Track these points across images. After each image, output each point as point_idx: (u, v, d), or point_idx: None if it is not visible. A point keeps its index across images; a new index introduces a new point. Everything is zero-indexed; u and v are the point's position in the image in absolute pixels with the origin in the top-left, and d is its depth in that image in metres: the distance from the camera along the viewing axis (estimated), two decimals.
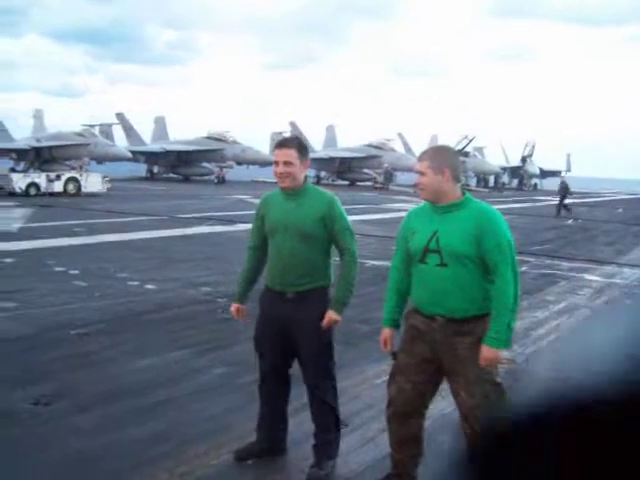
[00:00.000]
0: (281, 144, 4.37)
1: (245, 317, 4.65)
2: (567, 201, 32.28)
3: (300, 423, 4.87)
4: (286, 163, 4.25)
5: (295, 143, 4.38)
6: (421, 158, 3.92)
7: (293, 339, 4.38)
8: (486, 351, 3.69)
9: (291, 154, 4.27)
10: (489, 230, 3.72)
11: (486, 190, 58.64)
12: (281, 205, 4.37)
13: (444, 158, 3.87)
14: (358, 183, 58.46)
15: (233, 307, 4.66)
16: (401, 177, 60.09)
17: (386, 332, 4.09)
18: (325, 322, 4.27)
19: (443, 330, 3.82)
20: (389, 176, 53.96)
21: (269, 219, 4.39)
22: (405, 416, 4.00)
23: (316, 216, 4.27)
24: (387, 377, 4.15)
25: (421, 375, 3.94)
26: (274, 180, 4.42)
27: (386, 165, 54.16)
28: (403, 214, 4.21)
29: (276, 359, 4.50)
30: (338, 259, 4.41)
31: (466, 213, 3.80)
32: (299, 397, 4.80)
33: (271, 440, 4.60)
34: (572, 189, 33.92)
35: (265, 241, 4.48)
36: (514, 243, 3.78)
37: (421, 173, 3.86)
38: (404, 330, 4.04)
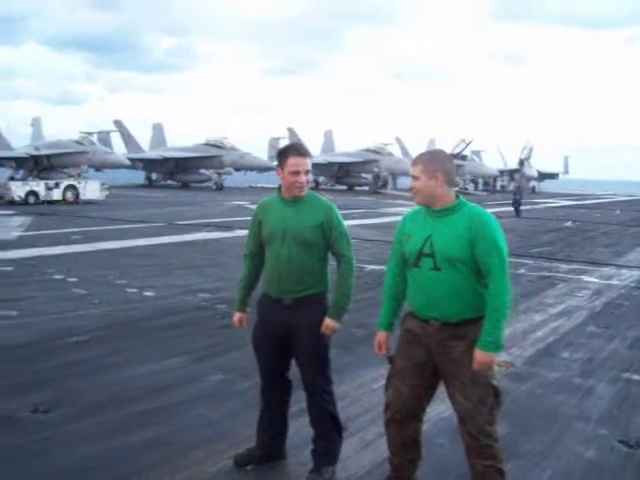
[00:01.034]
0: (301, 153, 4.28)
1: (246, 325, 4.65)
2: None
3: (299, 428, 4.88)
4: (307, 172, 4.27)
5: (308, 152, 4.36)
6: (415, 162, 3.93)
7: (291, 345, 4.38)
8: (480, 355, 3.70)
9: (309, 163, 4.31)
10: (482, 234, 3.73)
11: (484, 194, 58.73)
12: (279, 211, 4.36)
13: (438, 162, 3.88)
14: (356, 188, 58.56)
15: (236, 316, 4.64)
16: (400, 181, 60.19)
17: (381, 335, 4.10)
18: (324, 329, 4.27)
19: (438, 334, 3.83)
20: (377, 180, 54.13)
21: (267, 225, 4.38)
22: (403, 420, 4.01)
23: (315, 223, 4.28)
24: (384, 381, 4.16)
25: (418, 379, 3.95)
26: (273, 186, 4.44)
27: (376, 170, 54.35)
28: (398, 218, 4.23)
29: (275, 365, 4.50)
30: (334, 264, 4.42)
31: (460, 217, 3.81)
32: (297, 402, 4.82)
33: (270, 446, 4.60)
34: (534, 191, 34.30)
35: (262, 248, 4.47)
36: (507, 247, 3.80)
37: (415, 177, 3.88)
38: (400, 334, 4.05)
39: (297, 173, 4.23)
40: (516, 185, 33.03)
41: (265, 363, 4.53)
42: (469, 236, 3.73)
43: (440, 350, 3.84)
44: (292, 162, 4.24)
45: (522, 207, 31.20)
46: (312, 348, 4.33)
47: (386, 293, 4.13)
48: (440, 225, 3.83)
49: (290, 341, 4.37)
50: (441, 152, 4.08)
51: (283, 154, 4.32)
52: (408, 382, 3.95)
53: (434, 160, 3.89)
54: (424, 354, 3.90)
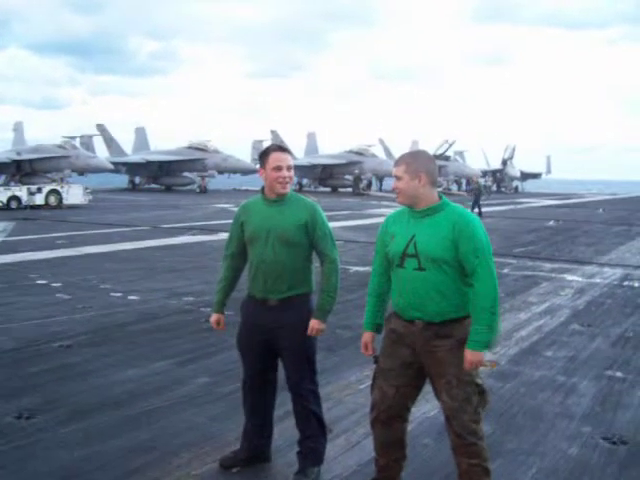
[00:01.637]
0: (282, 149, 4.38)
1: (224, 326, 4.65)
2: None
3: (284, 430, 4.89)
4: (289, 168, 4.30)
5: (290, 151, 4.43)
6: (397, 163, 3.94)
7: (276, 346, 4.39)
8: (469, 354, 3.73)
9: (291, 160, 4.35)
10: (466, 234, 3.75)
11: (467, 194, 58.94)
12: (262, 212, 4.36)
13: (420, 163, 3.89)
14: (340, 189, 58.61)
15: (213, 318, 4.63)
16: (386, 182, 60.32)
17: (367, 336, 4.12)
18: (310, 331, 4.28)
19: (422, 333, 3.85)
20: (359, 181, 54.27)
21: (250, 226, 4.38)
22: (389, 420, 4.02)
23: (298, 223, 4.29)
24: (370, 382, 4.17)
25: (403, 378, 3.97)
26: (256, 188, 4.44)
27: (357, 172, 54.51)
28: (382, 220, 4.24)
29: (260, 367, 4.49)
30: (319, 265, 4.43)
31: (443, 217, 3.83)
32: (282, 405, 4.82)
33: (256, 448, 4.60)
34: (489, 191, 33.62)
35: (243, 249, 4.48)
36: (491, 246, 3.82)
37: (398, 177, 3.90)
38: (385, 334, 4.07)
39: (279, 168, 4.26)
40: (474, 186, 32.86)
41: (250, 365, 4.52)
42: (452, 236, 3.75)
43: (425, 349, 3.86)
44: (274, 158, 4.28)
45: (481, 208, 30.37)
46: (297, 348, 4.34)
47: (371, 294, 4.14)
48: (423, 225, 3.84)
49: (275, 343, 4.37)
50: (424, 152, 4.09)
51: (265, 153, 4.37)
52: (393, 382, 3.97)
53: (417, 160, 3.90)
54: (409, 354, 3.92)
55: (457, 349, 3.79)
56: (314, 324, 4.28)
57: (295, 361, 4.38)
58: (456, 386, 3.80)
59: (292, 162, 4.36)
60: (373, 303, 4.13)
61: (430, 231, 3.81)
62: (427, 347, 3.85)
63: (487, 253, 3.77)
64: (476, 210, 29.41)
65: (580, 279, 13.10)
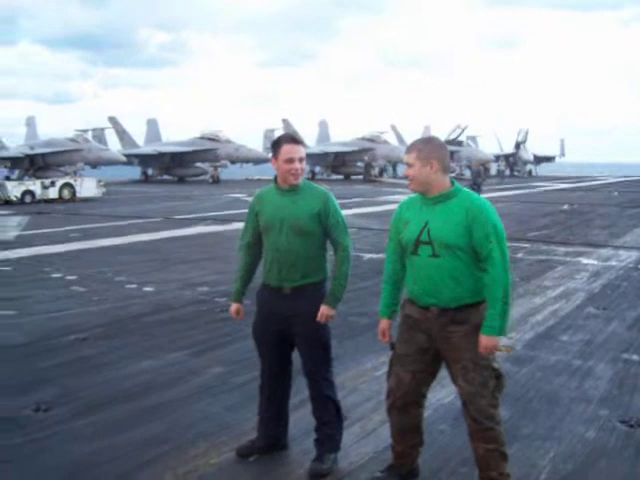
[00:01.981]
0: (294, 140, 4.34)
1: (243, 316, 4.65)
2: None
3: (300, 418, 4.89)
4: (301, 160, 4.28)
5: (302, 140, 4.41)
6: (409, 150, 3.93)
7: (292, 333, 4.40)
8: (484, 339, 3.73)
9: (303, 151, 4.33)
10: (479, 220, 3.74)
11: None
12: (276, 201, 4.37)
13: (432, 149, 3.88)
14: (353, 177, 58.52)
15: (233, 307, 4.64)
16: (400, 169, 60.15)
17: (384, 323, 4.12)
18: (319, 317, 4.28)
19: (438, 320, 3.85)
20: (370, 168, 54.26)
21: (264, 215, 4.39)
22: (405, 406, 4.03)
23: (312, 212, 4.29)
24: (386, 369, 4.17)
25: (419, 364, 3.97)
26: (269, 177, 4.43)
27: (366, 158, 54.49)
28: (396, 206, 4.23)
29: (276, 355, 4.51)
30: (332, 253, 4.42)
31: (455, 203, 3.82)
32: (298, 393, 4.83)
33: (272, 436, 4.61)
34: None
35: (259, 238, 4.49)
36: (504, 232, 3.80)
37: (409, 164, 3.89)
38: (400, 320, 4.07)
39: (291, 160, 4.25)
40: (475, 170, 32.32)
41: (267, 354, 4.54)
42: (466, 222, 3.74)
43: (441, 335, 3.86)
44: (285, 150, 4.27)
45: (482, 193, 30.07)
46: (312, 335, 4.35)
47: (386, 281, 4.14)
48: (436, 212, 3.84)
49: (290, 331, 4.38)
50: (435, 139, 4.07)
51: (277, 143, 4.36)
52: (409, 368, 3.97)
53: (428, 147, 3.89)
54: (425, 339, 3.92)
55: (473, 334, 3.79)
56: (324, 310, 4.29)
57: (310, 348, 4.39)
58: (472, 370, 3.80)
59: (304, 153, 4.34)
60: (389, 290, 4.13)
61: (443, 217, 3.80)
62: (443, 333, 3.85)
63: (501, 238, 3.76)
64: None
65: (595, 262, 13.03)
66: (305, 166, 4.35)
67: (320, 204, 4.32)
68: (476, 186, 29.61)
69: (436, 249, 3.79)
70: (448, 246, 3.76)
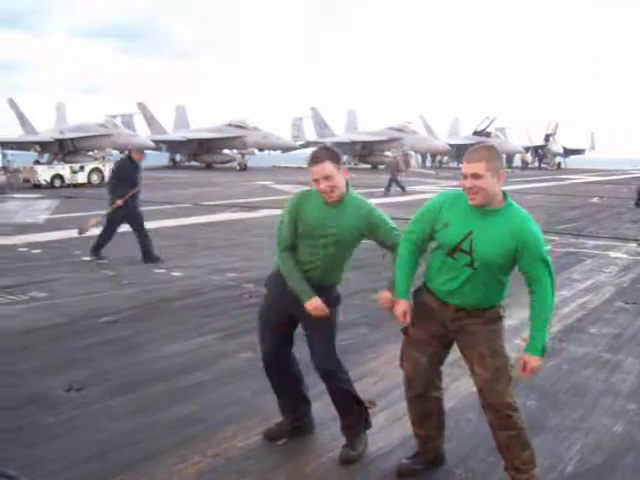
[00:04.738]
0: (314, 161, 4.13)
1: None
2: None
3: (328, 404, 4.92)
4: (327, 178, 4.09)
5: (326, 155, 4.15)
6: (474, 159, 3.61)
7: (297, 321, 4.42)
8: (533, 360, 3.70)
9: (327, 167, 4.09)
10: (530, 245, 3.62)
11: (509, 170, 58.27)
12: (320, 210, 4.22)
13: (498, 158, 3.66)
14: (380, 166, 58.40)
15: (312, 302, 4.25)
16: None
17: (404, 304, 3.91)
18: (383, 299, 4.12)
19: (455, 314, 3.87)
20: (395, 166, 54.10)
21: (305, 222, 4.23)
22: (426, 391, 4.04)
23: (357, 229, 4.22)
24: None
25: (434, 348, 3.98)
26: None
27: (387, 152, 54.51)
28: (425, 196, 4.20)
29: (276, 345, 4.49)
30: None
31: (505, 220, 3.65)
32: (320, 381, 4.87)
33: (296, 419, 4.65)
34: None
35: (295, 241, 4.33)
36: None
37: (477, 176, 3.57)
38: (415, 306, 3.98)
39: (317, 181, 4.13)
40: (390, 160, 30.25)
41: (267, 342, 4.50)
42: (514, 246, 3.61)
43: (456, 326, 3.88)
44: (311, 171, 4.14)
45: (394, 187, 27.84)
46: (319, 327, 4.30)
47: (401, 268, 3.97)
48: (484, 224, 3.66)
49: (297, 320, 4.41)
50: (494, 147, 3.82)
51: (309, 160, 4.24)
52: (425, 351, 3.97)
53: (494, 155, 3.65)
54: (439, 326, 3.93)
55: (489, 323, 3.82)
56: (385, 293, 4.13)
57: (318, 339, 4.35)
58: (489, 356, 3.81)
59: (329, 170, 4.10)
60: (403, 276, 3.96)
61: (490, 233, 3.64)
62: (459, 324, 3.87)
63: (549, 263, 3.68)
64: (396, 188, 27.60)
65: (625, 256, 12.92)
66: (334, 182, 4.11)
67: (364, 223, 4.21)
68: (394, 181, 27.68)
69: (475, 262, 3.67)
70: (489, 264, 3.66)
